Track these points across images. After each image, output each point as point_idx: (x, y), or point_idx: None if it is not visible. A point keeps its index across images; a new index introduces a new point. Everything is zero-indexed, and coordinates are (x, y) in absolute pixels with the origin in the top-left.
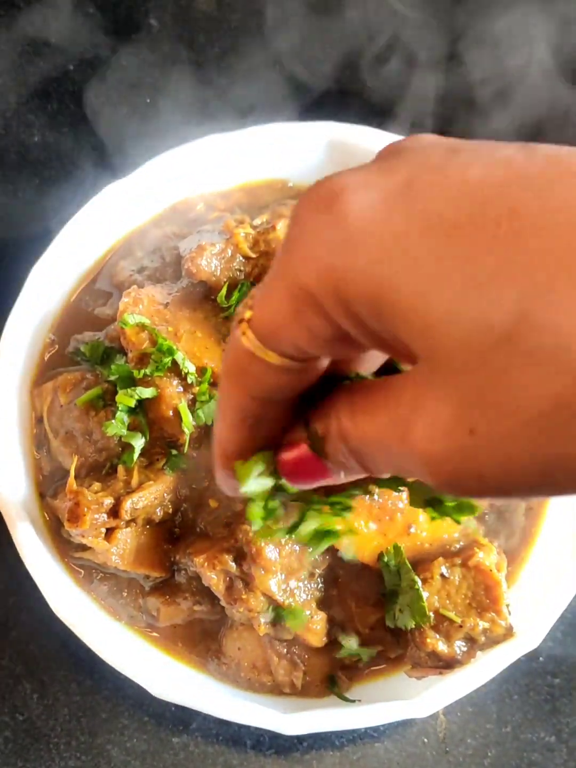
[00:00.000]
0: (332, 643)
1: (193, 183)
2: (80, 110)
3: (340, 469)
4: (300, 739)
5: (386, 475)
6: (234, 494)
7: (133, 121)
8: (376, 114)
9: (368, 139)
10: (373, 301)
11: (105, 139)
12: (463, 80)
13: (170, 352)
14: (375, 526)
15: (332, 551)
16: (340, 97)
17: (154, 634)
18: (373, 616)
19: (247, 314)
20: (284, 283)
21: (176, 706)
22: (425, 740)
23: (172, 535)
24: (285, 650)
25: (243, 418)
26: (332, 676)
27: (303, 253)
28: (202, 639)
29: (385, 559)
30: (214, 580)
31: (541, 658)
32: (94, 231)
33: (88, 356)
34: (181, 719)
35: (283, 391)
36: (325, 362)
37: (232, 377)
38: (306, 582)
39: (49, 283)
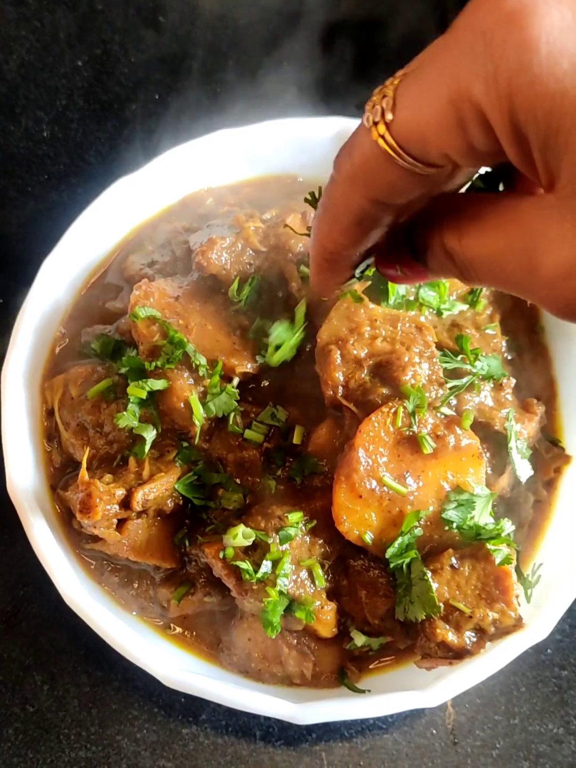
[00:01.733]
0: (342, 634)
1: (203, 178)
2: (89, 106)
3: (440, 276)
4: (309, 730)
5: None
6: (327, 295)
7: (141, 117)
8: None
9: None
10: (550, 121)
11: (114, 134)
12: None
13: (181, 344)
14: (385, 517)
15: (342, 541)
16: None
17: (165, 624)
18: (383, 607)
19: (389, 116)
20: (446, 90)
21: (186, 697)
22: (434, 731)
23: (183, 527)
24: (295, 641)
25: (359, 220)
26: (342, 668)
27: (476, 64)
28: (213, 630)
29: (396, 550)
30: (225, 571)
31: (548, 651)
32: (104, 226)
33: (99, 350)
34: (190, 710)
35: (407, 196)
36: (462, 173)
37: (356, 180)
38: (316, 572)
39: (60, 277)
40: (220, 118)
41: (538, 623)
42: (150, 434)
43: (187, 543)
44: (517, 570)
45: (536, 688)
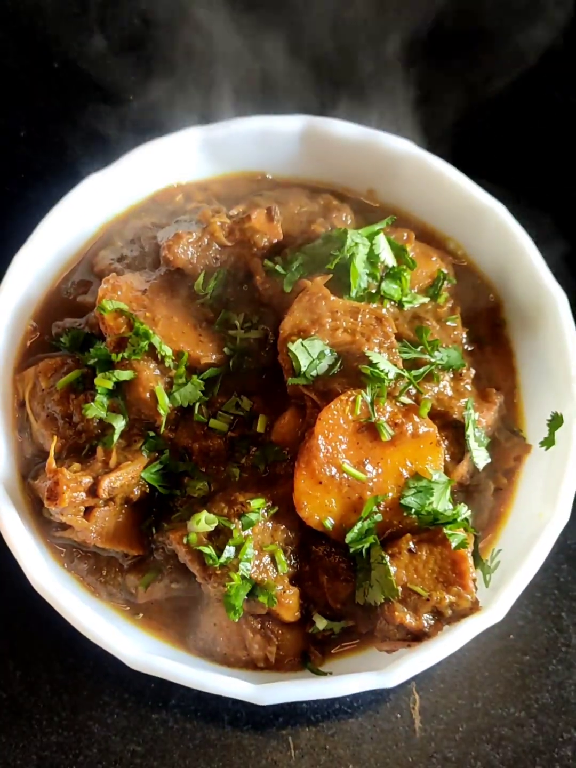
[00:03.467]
0: (305, 619)
1: (172, 174)
2: (65, 106)
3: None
4: (276, 715)
5: None
6: None
7: (116, 116)
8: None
9: (342, 131)
10: None
11: (90, 133)
12: None
13: (147, 336)
14: (345, 503)
15: (304, 527)
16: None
17: (133, 610)
18: (345, 592)
19: None
20: None
21: (155, 682)
22: (398, 716)
23: (150, 515)
24: (259, 625)
25: None
26: (305, 651)
27: None
28: (180, 615)
29: (355, 535)
30: (189, 556)
31: (511, 637)
32: (75, 221)
33: (69, 342)
34: (160, 696)
35: None
36: None
37: None
38: (278, 557)
39: (32, 272)
40: (191, 116)
41: (495, 606)
42: (119, 424)
43: (153, 530)
44: (475, 555)
45: (499, 673)
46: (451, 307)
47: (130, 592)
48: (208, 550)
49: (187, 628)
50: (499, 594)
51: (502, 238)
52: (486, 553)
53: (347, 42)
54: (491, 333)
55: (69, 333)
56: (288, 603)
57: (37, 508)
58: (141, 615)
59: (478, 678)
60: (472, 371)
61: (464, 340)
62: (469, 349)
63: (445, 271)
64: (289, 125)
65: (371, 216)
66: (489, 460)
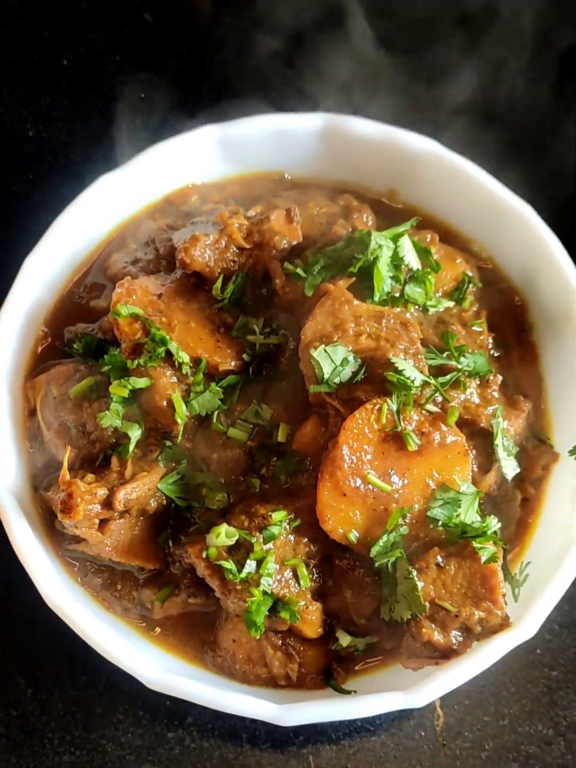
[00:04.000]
0: (328, 635)
1: (188, 175)
2: (74, 104)
3: None
4: (296, 733)
5: None
6: None
7: (126, 114)
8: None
9: (362, 130)
10: None
11: (99, 133)
12: None
13: (163, 342)
14: (370, 515)
15: (327, 541)
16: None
17: (149, 626)
18: (369, 607)
19: None
20: None
21: (171, 700)
22: (422, 733)
23: (166, 527)
24: (280, 642)
25: None
26: (328, 668)
27: None
28: (197, 631)
29: (381, 548)
30: (208, 571)
31: (538, 651)
32: (87, 223)
33: (82, 348)
34: (176, 714)
35: None
36: None
37: None
38: (301, 571)
39: (42, 276)
40: (206, 116)
41: (525, 622)
42: (135, 433)
43: (170, 543)
44: (504, 568)
45: (526, 689)
46: (476, 311)
47: (146, 608)
48: (229, 564)
49: (205, 644)
50: (530, 609)
51: (528, 239)
52: (514, 566)
53: None
54: (517, 338)
55: (82, 339)
56: (311, 619)
57: (49, 521)
58: (157, 631)
59: (504, 694)
60: (500, 377)
61: (490, 346)
62: (496, 354)
63: (470, 274)
64: (308, 123)
65: (392, 217)
66: (518, 470)
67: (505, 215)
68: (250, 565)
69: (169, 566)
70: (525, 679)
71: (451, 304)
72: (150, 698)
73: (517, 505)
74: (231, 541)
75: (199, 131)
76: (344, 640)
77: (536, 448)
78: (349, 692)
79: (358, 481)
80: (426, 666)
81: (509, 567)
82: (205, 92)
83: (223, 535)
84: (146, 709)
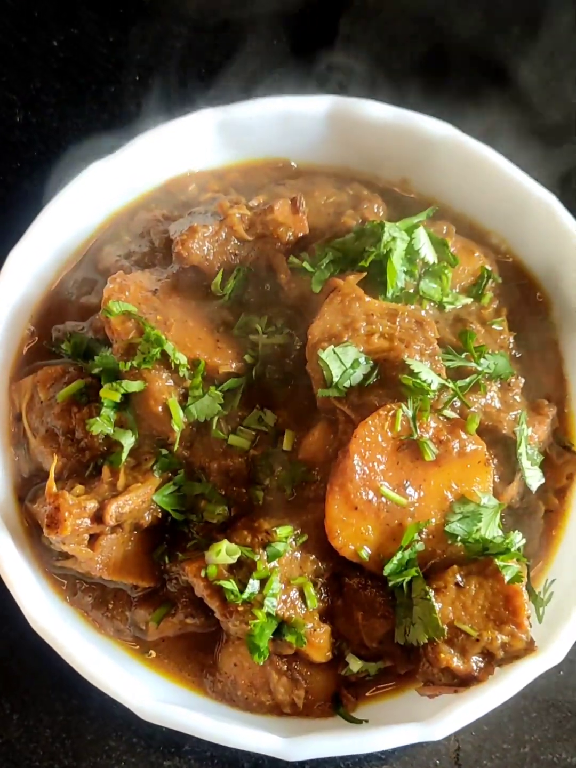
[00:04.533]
0: (337, 659)
1: (185, 162)
2: (65, 89)
3: None
4: (301, 762)
5: None
6: None
7: (121, 99)
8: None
9: (373, 113)
10: None
11: (91, 118)
12: None
13: (158, 342)
14: (383, 530)
15: (337, 558)
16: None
17: (142, 648)
18: (382, 629)
19: None
20: None
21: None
22: (437, 761)
23: (162, 542)
24: (285, 667)
25: None
26: (337, 695)
27: None
28: (195, 654)
29: (395, 566)
30: (207, 591)
31: (561, 672)
32: (77, 214)
33: (71, 349)
34: (172, 741)
35: None
36: None
37: None
38: (308, 591)
39: (29, 270)
40: (206, 99)
41: (552, 646)
42: (128, 441)
43: (166, 559)
44: (528, 587)
45: (548, 714)
46: (496, 308)
47: (140, 629)
48: (230, 584)
49: (203, 668)
50: (556, 632)
51: (552, 231)
52: (537, 583)
53: None
54: (539, 337)
55: (71, 338)
56: (318, 642)
57: (35, 534)
58: (152, 654)
59: (525, 719)
60: (522, 380)
61: (511, 346)
62: (517, 355)
63: (490, 269)
64: (315, 106)
65: (405, 208)
66: (543, 481)
67: (527, 205)
68: (253, 585)
69: (164, 584)
70: (548, 703)
71: (470, 300)
72: (145, 724)
73: (540, 517)
74: (232, 559)
75: (198, 115)
76: (355, 665)
77: (561, 456)
78: (359, 722)
79: (371, 494)
80: (444, 694)
81: (533, 584)
82: (204, 75)
83: (224, 552)
84: (141, 735)
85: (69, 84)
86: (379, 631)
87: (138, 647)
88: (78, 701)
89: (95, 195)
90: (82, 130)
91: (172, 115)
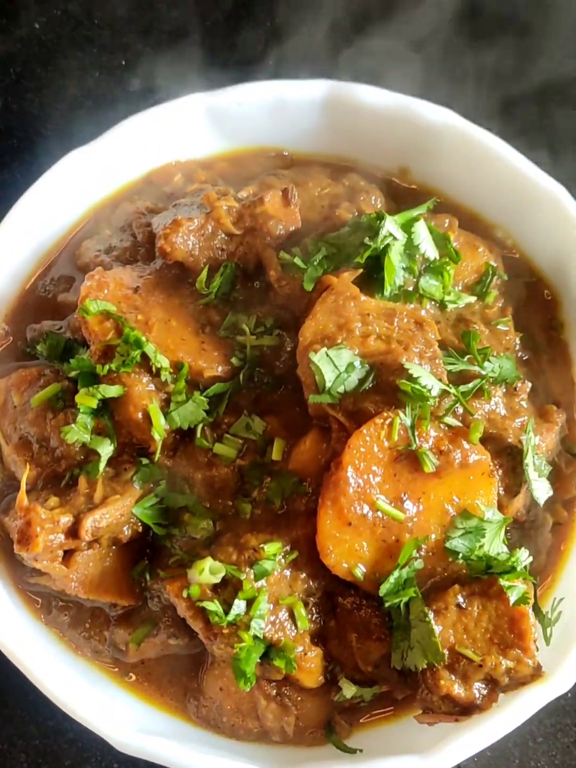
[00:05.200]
0: (329, 683)
1: (171, 150)
2: (47, 74)
3: None
4: None
5: None
6: None
7: (106, 84)
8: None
9: (371, 99)
10: None
11: (74, 105)
12: None
13: (138, 343)
14: (379, 547)
15: (329, 576)
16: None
17: (122, 671)
18: (377, 652)
19: None
20: None
21: None
22: None
23: (143, 557)
24: (274, 691)
25: None
26: (330, 722)
27: None
28: (178, 677)
29: (391, 586)
30: (190, 612)
31: (569, 695)
32: (54, 206)
33: (47, 350)
34: (155, 765)
35: None
36: None
37: None
38: (298, 612)
39: (2, 265)
40: (196, 83)
41: (560, 672)
42: (106, 450)
43: (147, 576)
44: (535, 607)
45: (555, 739)
46: (501, 307)
47: (120, 649)
48: (213, 605)
49: (187, 692)
50: (565, 657)
51: (560, 225)
52: (544, 602)
53: None
54: (547, 337)
55: (47, 339)
56: (309, 667)
57: (7, 548)
58: (132, 676)
59: (530, 745)
60: (528, 384)
61: (517, 347)
62: (524, 357)
63: (494, 265)
64: (309, 92)
65: (404, 199)
66: (551, 493)
67: (534, 197)
68: (239, 606)
69: (146, 602)
70: (554, 728)
71: (473, 299)
72: None
73: (548, 531)
74: (216, 579)
75: (184, 100)
76: (348, 690)
77: (570, 465)
78: (354, 751)
79: (366, 508)
80: (444, 722)
81: (539, 603)
82: (195, 58)
83: (207, 570)
84: (122, 760)
85: (51, 68)
86: (374, 654)
87: (117, 669)
88: (54, 724)
89: (74, 185)
90: (64, 116)
91: (158, 100)
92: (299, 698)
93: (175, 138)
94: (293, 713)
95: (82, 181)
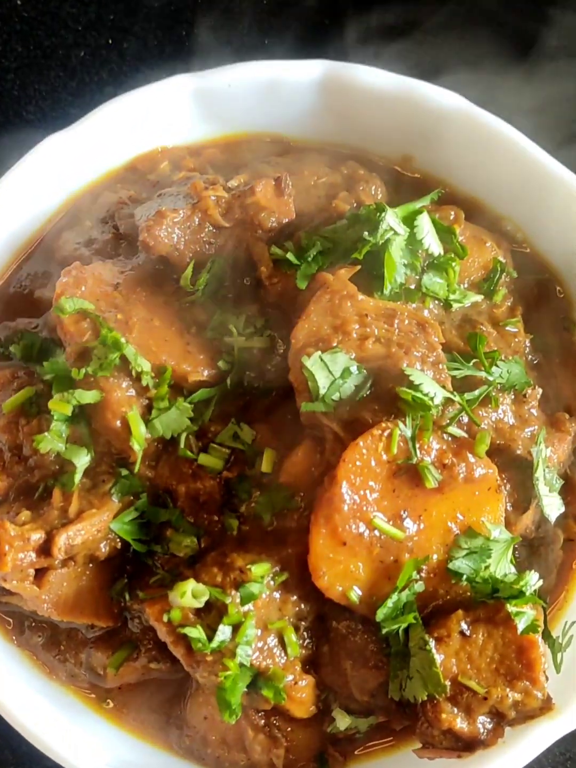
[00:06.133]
0: (322, 713)
1: (157, 135)
2: (29, 52)
3: None
4: None
5: None
6: None
7: (92, 64)
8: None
9: (372, 81)
10: None
11: (57, 86)
12: None
13: (117, 345)
14: (376, 568)
15: (322, 599)
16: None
17: (99, 696)
18: (374, 681)
19: None
20: None
21: None
22: None
23: (123, 575)
24: (263, 722)
25: None
26: (322, 754)
27: None
28: (160, 704)
29: (389, 611)
30: (171, 638)
31: None
32: (31, 195)
33: (21, 351)
34: None
35: None
36: None
37: None
38: (288, 637)
39: None
40: (184, 65)
41: (573, 705)
42: (82, 460)
43: (126, 596)
44: (545, 632)
45: None
46: (510, 306)
47: (97, 674)
48: (196, 632)
49: (170, 719)
50: None
51: (574, 217)
52: (555, 624)
53: None
54: (560, 339)
55: (22, 338)
56: (300, 696)
57: None
58: (110, 703)
59: None
60: (539, 391)
61: (527, 350)
62: (534, 360)
63: (503, 261)
64: (305, 73)
65: (408, 189)
66: (563, 510)
67: (546, 188)
68: (224, 632)
69: (126, 623)
70: (565, 757)
71: (480, 298)
72: None
73: (559, 547)
74: (199, 603)
75: (171, 81)
76: (342, 721)
77: None
78: None
79: (362, 527)
80: (445, 757)
81: (549, 626)
82: (184, 38)
83: (189, 594)
84: None
85: (33, 47)
86: (370, 683)
87: (94, 696)
88: (28, 748)
89: (52, 173)
90: (47, 98)
91: (144, 81)
92: (289, 729)
93: (160, 122)
94: (283, 745)
95: (61, 168)
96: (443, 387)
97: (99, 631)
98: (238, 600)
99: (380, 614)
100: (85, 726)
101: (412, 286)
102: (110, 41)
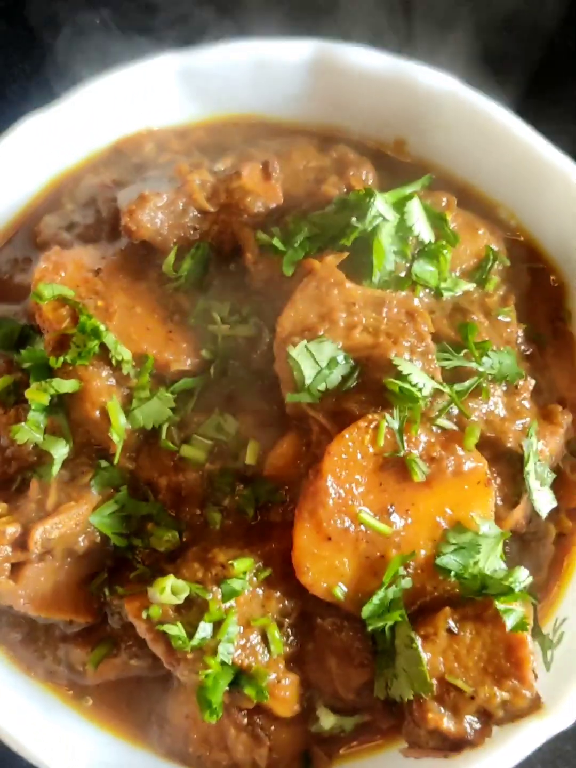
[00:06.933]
0: (307, 712)
1: (141, 116)
2: (14, 30)
3: None
4: None
5: None
6: None
7: (79, 42)
8: None
9: (363, 62)
10: None
11: (44, 63)
12: None
13: (96, 333)
14: (362, 564)
15: (306, 595)
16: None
17: (78, 694)
18: (359, 679)
19: None
20: None
21: None
22: None
23: (102, 569)
24: (245, 720)
25: None
26: (306, 753)
27: None
28: (141, 702)
29: (375, 608)
30: (150, 635)
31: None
32: (11, 178)
33: (0, 338)
34: None
35: None
36: None
37: None
38: (271, 635)
39: None
40: (172, 43)
41: (562, 705)
42: (60, 451)
43: (106, 591)
44: (535, 628)
45: (554, 767)
46: (503, 295)
47: (77, 671)
48: (176, 629)
49: (150, 718)
50: (568, 686)
51: (570, 205)
52: (545, 621)
53: None
54: (553, 329)
55: (0, 325)
56: (284, 695)
57: None
58: (89, 700)
59: None
60: (532, 382)
61: (520, 340)
62: (527, 351)
63: (496, 249)
64: (294, 53)
65: (399, 174)
66: (554, 504)
67: (541, 174)
68: (205, 629)
69: (105, 619)
70: (553, 754)
71: (472, 286)
72: None
73: (550, 542)
74: (179, 599)
75: (156, 61)
76: (327, 720)
77: (575, 471)
78: None
79: (347, 521)
80: (432, 757)
81: (540, 622)
82: (171, 15)
83: (169, 590)
84: None
85: (15, 25)
86: (355, 681)
87: (73, 693)
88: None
89: (33, 154)
90: (30, 78)
91: (128, 60)
92: (273, 728)
93: (145, 103)
94: (266, 744)
95: (43, 150)
96: (432, 378)
97: (78, 627)
98: (219, 596)
99: (366, 611)
100: (63, 724)
101: (402, 274)
102: (98, 20)
